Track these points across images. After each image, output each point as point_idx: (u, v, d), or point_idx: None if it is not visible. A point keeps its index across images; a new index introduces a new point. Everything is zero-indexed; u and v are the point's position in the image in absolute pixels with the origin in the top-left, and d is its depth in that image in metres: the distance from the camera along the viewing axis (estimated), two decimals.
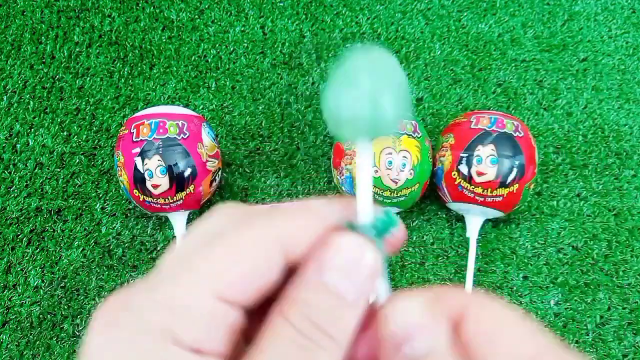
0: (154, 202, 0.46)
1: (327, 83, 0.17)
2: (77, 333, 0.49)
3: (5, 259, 0.51)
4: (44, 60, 0.60)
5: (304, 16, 0.62)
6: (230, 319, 0.15)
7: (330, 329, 0.14)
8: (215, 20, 0.62)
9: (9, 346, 0.49)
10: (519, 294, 0.50)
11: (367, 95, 0.16)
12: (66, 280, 0.51)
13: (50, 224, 0.53)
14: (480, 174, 0.46)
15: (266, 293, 0.16)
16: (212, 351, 0.14)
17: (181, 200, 0.46)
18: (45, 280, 0.51)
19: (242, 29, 0.61)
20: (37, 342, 0.49)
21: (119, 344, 0.13)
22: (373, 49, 0.17)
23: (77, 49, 0.60)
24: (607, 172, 0.55)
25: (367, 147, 0.17)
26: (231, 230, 0.15)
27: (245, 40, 0.61)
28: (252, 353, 0.14)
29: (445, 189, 0.49)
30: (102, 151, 0.55)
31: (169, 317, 0.14)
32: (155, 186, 0.45)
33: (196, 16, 0.62)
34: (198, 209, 0.51)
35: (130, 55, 0.60)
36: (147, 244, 0.52)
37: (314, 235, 0.16)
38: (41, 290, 0.50)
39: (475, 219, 0.49)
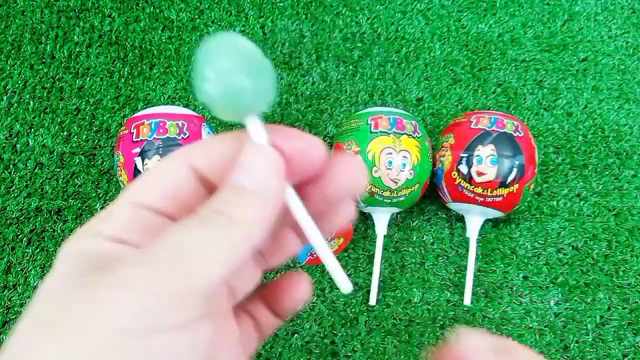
0: None
1: (194, 69, 0.18)
2: None
3: (5, 259, 0.51)
4: (44, 60, 0.60)
5: (304, 16, 0.62)
6: (148, 218, 0.18)
7: (227, 210, 0.17)
8: (215, 20, 0.62)
9: None
10: (519, 294, 0.50)
11: (225, 70, 0.18)
12: None
13: (50, 224, 0.53)
14: (480, 174, 0.46)
15: (181, 197, 0.19)
16: (130, 241, 0.17)
17: None
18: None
19: (242, 29, 0.61)
20: None
21: (66, 245, 0.17)
22: (228, 34, 0.18)
23: (77, 49, 0.60)
24: (607, 172, 0.55)
25: (255, 121, 0.19)
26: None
27: None
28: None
29: (445, 189, 0.49)
30: (102, 151, 0.55)
31: (98, 222, 0.18)
32: None
33: (196, 16, 0.62)
34: None
35: (130, 55, 0.60)
36: None
37: (214, 152, 0.19)
38: None
39: (475, 219, 0.49)
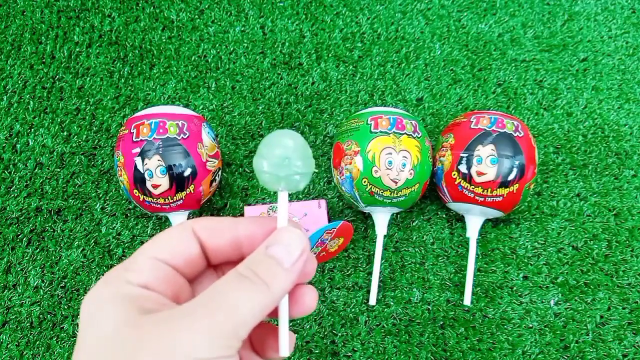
0: (154, 202, 0.46)
1: (256, 153, 0.24)
2: (77, 333, 0.49)
3: (5, 259, 0.51)
4: (44, 60, 0.60)
5: (304, 16, 0.62)
6: (166, 271, 0.23)
7: (264, 277, 0.21)
8: (215, 20, 0.62)
9: (9, 346, 0.49)
10: (519, 294, 0.50)
11: (281, 162, 0.23)
12: (66, 280, 0.51)
13: (50, 224, 0.53)
14: (480, 174, 0.46)
15: (192, 261, 0.24)
16: (155, 289, 0.22)
17: (181, 200, 0.46)
18: (45, 280, 0.51)
19: (242, 29, 0.61)
20: (37, 342, 0.49)
21: (100, 291, 0.22)
22: (285, 130, 0.24)
23: (77, 49, 0.60)
24: (607, 172, 0.55)
25: (284, 195, 0.24)
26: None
27: (245, 40, 0.61)
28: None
29: (445, 189, 0.49)
30: (102, 151, 0.55)
31: (126, 272, 0.22)
32: (155, 186, 0.45)
33: (196, 16, 0.62)
34: (198, 209, 0.51)
35: (130, 55, 0.60)
36: None
37: (219, 230, 0.24)
38: (41, 290, 0.50)
39: (475, 219, 0.49)
